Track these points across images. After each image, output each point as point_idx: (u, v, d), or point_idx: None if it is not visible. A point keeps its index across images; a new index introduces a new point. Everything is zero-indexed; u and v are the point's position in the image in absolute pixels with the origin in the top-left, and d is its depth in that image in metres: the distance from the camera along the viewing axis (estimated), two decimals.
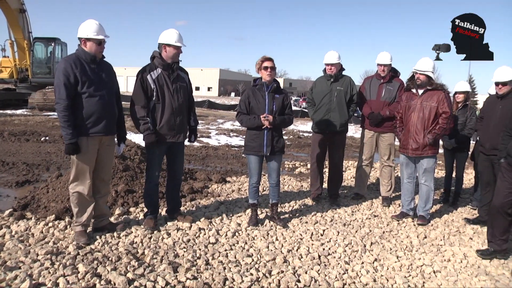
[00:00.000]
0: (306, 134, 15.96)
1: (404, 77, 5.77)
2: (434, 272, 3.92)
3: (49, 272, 3.39)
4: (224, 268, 3.71)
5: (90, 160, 4.06)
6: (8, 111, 20.06)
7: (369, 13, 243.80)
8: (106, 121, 4.06)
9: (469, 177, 8.26)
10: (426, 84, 5.08)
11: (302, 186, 7.07)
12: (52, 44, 22.18)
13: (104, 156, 4.22)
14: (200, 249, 4.09)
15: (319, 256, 4.10)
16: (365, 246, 4.47)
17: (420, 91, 5.13)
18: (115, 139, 4.45)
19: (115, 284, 3.29)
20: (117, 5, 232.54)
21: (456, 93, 6.14)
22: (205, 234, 4.50)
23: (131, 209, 5.14)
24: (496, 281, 3.82)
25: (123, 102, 4.52)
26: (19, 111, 20.63)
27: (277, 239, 4.49)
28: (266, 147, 4.67)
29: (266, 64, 4.62)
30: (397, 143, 5.61)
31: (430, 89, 5.07)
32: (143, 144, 4.63)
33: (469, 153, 6.24)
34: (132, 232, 4.42)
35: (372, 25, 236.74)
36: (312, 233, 4.73)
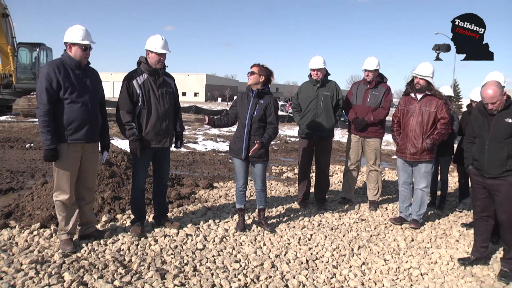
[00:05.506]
0: (293, 139, 15.99)
1: (393, 82, 5.84)
2: (421, 274, 3.96)
3: (34, 282, 3.33)
4: (212, 274, 3.70)
5: (71, 167, 3.99)
6: None
7: (356, 18, 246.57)
8: (88, 128, 3.99)
9: (454, 180, 8.36)
10: (425, 89, 5.09)
11: (289, 191, 7.08)
12: (37, 50, 21.89)
13: (87, 163, 4.15)
14: (187, 255, 4.07)
15: (307, 261, 4.11)
16: (352, 250, 4.49)
17: (419, 96, 5.16)
18: (99, 147, 4.41)
19: None
20: (104, 10, 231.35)
21: None
22: (192, 240, 4.48)
23: (118, 216, 5.09)
24: (482, 282, 3.88)
25: (110, 108, 4.47)
26: (2, 118, 20.29)
27: (264, 244, 4.49)
28: (244, 151, 4.69)
29: (250, 69, 4.70)
30: (388, 147, 5.64)
31: (429, 94, 5.10)
32: (129, 150, 4.60)
33: (452, 156, 6.30)
34: (119, 239, 4.37)
35: (359, 30, 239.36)
36: (299, 237, 4.73)
